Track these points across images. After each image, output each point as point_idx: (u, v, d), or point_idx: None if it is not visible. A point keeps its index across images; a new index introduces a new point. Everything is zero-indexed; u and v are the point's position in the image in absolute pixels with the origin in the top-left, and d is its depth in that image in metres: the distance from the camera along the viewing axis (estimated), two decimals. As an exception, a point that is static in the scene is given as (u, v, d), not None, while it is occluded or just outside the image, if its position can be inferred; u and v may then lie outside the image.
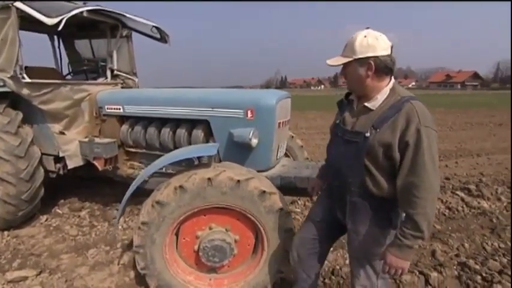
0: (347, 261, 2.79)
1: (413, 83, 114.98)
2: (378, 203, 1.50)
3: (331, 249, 2.90)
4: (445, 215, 3.75)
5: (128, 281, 2.48)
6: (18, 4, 2.71)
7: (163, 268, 2.07)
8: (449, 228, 3.42)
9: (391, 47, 1.42)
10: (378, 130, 1.41)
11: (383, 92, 1.46)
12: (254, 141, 2.39)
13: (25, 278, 2.46)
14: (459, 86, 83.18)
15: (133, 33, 4.10)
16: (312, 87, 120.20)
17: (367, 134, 1.44)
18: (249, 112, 2.47)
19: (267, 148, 2.53)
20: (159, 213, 1.95)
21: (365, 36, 1.41)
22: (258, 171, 2.48)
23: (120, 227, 3.31)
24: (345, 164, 1.55)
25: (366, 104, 1.50)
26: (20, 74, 2.91)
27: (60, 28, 2.70)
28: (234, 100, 2.57)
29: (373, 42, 1.40)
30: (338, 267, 2.68)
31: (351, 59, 1.44)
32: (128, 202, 2.13)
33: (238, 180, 1.92)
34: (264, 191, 1.96)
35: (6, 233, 3.17)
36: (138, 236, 2.01)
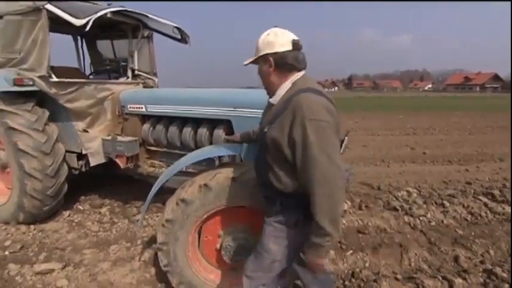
0: (367, 264, 2.77)
1: (430, 86, 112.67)
2: (285, 199, 1.49)
3: (351, 251, 2.91)
4: (467, 220, 3.66)
5: (148, 278, 2.52)
6: (49, 6, 2.80)
7: (186, 266, 2.10)
8: (472, 233, 3.33)
9: (295, 42, 1.41)
10: (271, 126, 1.41)
11: (283, 86, 1.45)
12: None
13: (51, 271, 2.54)
14: (478, 89, 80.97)
15: (154, 34, 4.18)
16: (326, 89, 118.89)
17: (265, 130, 1.45)
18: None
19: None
20: (183, 211, 1.98)
21: (268, 34, 1.44)
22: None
23: (138, 224, 3.36)
24: (257, 161, 1.60)
25: (270, 100, 1.52)
26: (48, 73, 3.01)
27: (87, 29, 2.77)
28: (257, 100, 2.57)
29: (273, 39, 1.41)
30: (358, 269, 2.65)
31: (255, 57, 1.47)
32: (152, 200, 2.16)
33: (262, 180, 1.92)
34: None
35: (32, 226, 3.27)
36: (161, 233, 2.04)
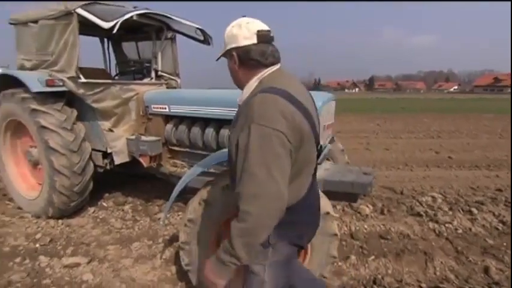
0: (389, 271, 2.70)
1: (456, 87, 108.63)
2: None
3: (373, 257, 2.85)
4: (498, 229, 3.49)
5: (169, 276, 2.57)
6: (79, 10, 2.93)
7: (207, 265, 2.11)
8: (504, 244, 3.17)
9: (261, 34, 1.24)
10: (233, 129, 1.26)
11: (249, 85, 1.30)
12: (299, 143, 2.37)
13: (78, 265, 2.64)
14: (510, 90, 77.21)
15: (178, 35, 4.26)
16: (347, 90, 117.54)
17: (229, 133, 1.29)
18: (294, 114, 2.46)
19: (311, 151, 2.50)
20: (205, 211, 2.00)
21: (232, 26, 1.28)
22: (301, 173, 2.47)
23: (161, 223, 3.44)
24: (229, 169, 1.42)
25: (237, 99, 1.38)
26: (77, 74, 3.13)
27: (115, 31, 2.87)
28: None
29: (236, 32, 1.26)
30: (380, 276, 2.59)
31: (222, 53, 1.34)
32: (175, 199, 2.20)
33: (285, 182, 1.91)
34: (311, 194, 1.94)
35: (60, 221, 3.42)
36: (183, 232, 2.07)
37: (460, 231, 3.38)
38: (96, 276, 2.51)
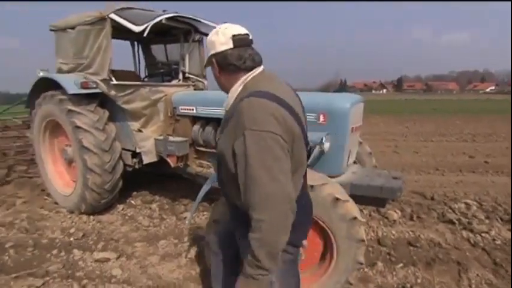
0: (419, 280, 2.59)
1: (493, 87, 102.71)
2: (240, 214, 1.27)
3: (401, 265, 2.75)
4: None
5: (194, 274, 2.61)
6: (112, 15, 3.07)
7: (232, 266, 2.13)
8: (548, 256, 2.95)
9: (236, 39, 1.25)
10: (222, 135, 1.26)
11: (233, 90, 1.30)
12: (326, 146, 2.34)
13: (108, 260, 2.75)
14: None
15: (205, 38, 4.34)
16: (374, 91, 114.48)
17: (217, 139, 1.27)
18: (321, 116, 2.43)
19: (339, 154, 2.46)
20: (231, 212, 2.01)
21: (212, 34, 1.30)
22: (329, 176, 2.43)
23: (187, 222, 3.51)
24: (217, 175, 1.43)
25: (223, 104, 1.38)
26: (109, 77, 3.27)
27: (145, 34, 2.97)
28: (306, 103, 2.52)
29: (214, 39, 1.27)
30: (409, 285, 2.50)
31: (206, 61, 1.37)
32: (202, 200, 2.23)
33: (312, 186, 1.89)
34: (338, 198, 1.91)
35: (91, 217, 3.58)
36: (208, 232, 2.10)
37: (498, 242, 3.18)
38: (125, 272, 2.61)
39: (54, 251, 2.92)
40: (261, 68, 1.32)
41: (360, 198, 2.51)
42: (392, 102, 30.53)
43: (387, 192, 2.38)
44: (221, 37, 1.26)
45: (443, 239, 3.22)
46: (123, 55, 5.10)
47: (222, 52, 1.27)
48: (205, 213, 3.69)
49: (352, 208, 1.96)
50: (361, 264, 2.08)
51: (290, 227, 1.11)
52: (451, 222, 3.57)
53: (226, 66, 1.28)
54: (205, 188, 2.20)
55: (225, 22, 1.35)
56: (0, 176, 5.11)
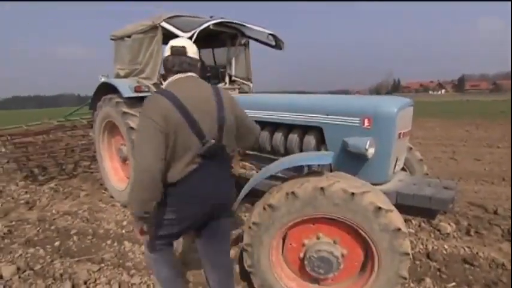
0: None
1: None
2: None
3: (453, 284, 2.53)
4: None
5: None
6: (163, 24, 3.29)
7: (268, 270, 2.15)
8: None
9: (174, 49, 1.65)
10: None
11: (163, 86, 1.72)
12: (370, 152, 2.25)
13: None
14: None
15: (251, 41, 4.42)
16: (431, 92, 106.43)
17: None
18: (366, 120, 2.34)
19: (384, 160, 2.35)
20: (269, 216, 2.03)
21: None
22: (373, 184, 2.33)
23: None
24: None
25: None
26: (159, 80, 3.49)
27: (193, 40, 3.11)
28: (350, 107, 2.47)
29: (166, 47, 1.71)
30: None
31: None
32: (242, 200, 2.28)
33: (353, 193, 1.84)
34: (380, 208, 1.83)
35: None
36: (248, 234, 2.14)
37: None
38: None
39: (109, 241, 3.20)
40: (187, 74, 1.68)
41: (408, 209, 2.38)
42: (452, 104, 28.04)
43: (437, 203, 2.21)
44: (167, 46, 1.70)
45: (508, 259, 2.88)
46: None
47: (165, 57, 1.71)
48: (247, 214, 3.76)
49: (395, 218, 1.86)
50: (405, 279, 1.96)
51: (150, 189, 1.49)
52: (519, 241, 3.19)
53: (166, 68, 1.72)
54: (245, 190, 2.22)
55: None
56: (69, 170, 5.77)
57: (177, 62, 1.65)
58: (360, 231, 1.92)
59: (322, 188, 1.88)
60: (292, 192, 1.94)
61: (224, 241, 2.00)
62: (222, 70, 4.57)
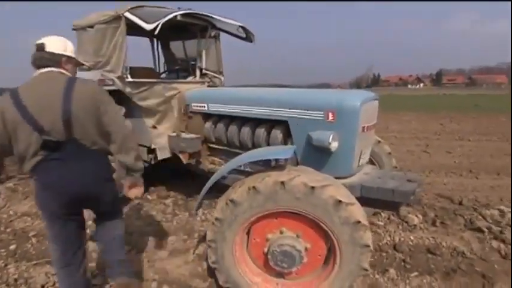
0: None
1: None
2: None
3: (416, 273, 2.64)
4: None
5: (200, 271, 2.68)
6: (127, 14, 3.21)
7: (232, 265, 2.17)
8: None
9: (35, 45, 1.77)
10: None
11: None
12: (334, 146, 2.31)
13: (119, 253, 2.88)
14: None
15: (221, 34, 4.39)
16: (410, 86, 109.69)
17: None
18: (329, 114, 2.39)
19: (348, 154, 2.41)
20: (231, 211, 2.05)
21: None
22: (337, 178, 2.38)
23: (198, 218, 3.60)
24: None
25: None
26: (125, 74, 3.41)
27: (156, 32, 3.06)
28: (314, 101, 2.51)
29: None
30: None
31: None
32: (205, 196, 2.29)
33: (313, 187, 1.88)
34: (340, 201, 1.88)
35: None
36: (211, 230, 2.15)
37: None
38: (134, 265, 2.72)
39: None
40: (47, 69, 1.77)
41: (371, 202, 2.46)
42: (429, 98, 29.05)
43: (399, 196, 2.30)
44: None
45: (468, 248, 3.04)
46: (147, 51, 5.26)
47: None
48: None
49: (356, 211, 1.92)
50: (366, 270, 2.04)
51: None
52: (480, 230, 3.36)
53: (31, 64, 1.81)
54: (208, 185, 2.25)
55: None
56: (26, 169, 5.50)
57: (38, 57, 1.76)
58: (322, 224, 1.96)
59: (282, 182, 1.91)
60: (254, 187, 1.96)
61: (110, 231, 2.11)
62: (192, 63, 4.52)
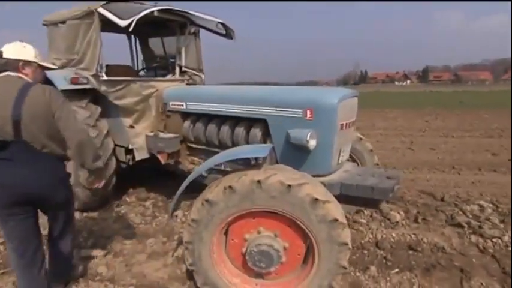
0: (415, 286, 2.54)
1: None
2: None
3: (397, 270, 2.70)
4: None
5: (179, 274, 2.66)
6: (100, 9, 3.15)
7: (210, 267, 2.17)
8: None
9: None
10: None
11: None
12: (312, 144, 2.33)
13: (94, 257, 2.85)
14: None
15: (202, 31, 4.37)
16: (396, 83, 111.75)
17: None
18: (308, 112, 2.41)
19: (327, 151, 2.44)
20: (208, 211, 2.04)
21: None
22: (316, 176, 2.41)
23: (178, 220, 3.57)
24: None
25: None
26: (100, 72, 3.35)
27: (131, 29, 3.02)
28: (293, 99, 2.53)
29: None
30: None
31: None
32: (184, 196, 2.27)
33: (289, 185, 1.89)
34: (317, 199, 1.90)
35: (84, 214, 3.70)
36: (187, 232, 2.14)
37: (510, 248, 3.06)
38: (110, 270, 2.69)
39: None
40: (3, 73, 1.91)
41: (351, 199, 2.50)
42: (415, 95, 29.64)
43: (379, 193, 2.34)
44: None
45: (448, 243, 3.12)
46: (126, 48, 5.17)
47: None
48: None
49: (333, 209, 1.94)
50: (345, 268, 2.06)
51: None
52: (460, 225, 3.46)
53: None
54: (184, 185, 2.24)
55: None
56: None
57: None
58: (299, 223, 1.98)
59: (259, 181, 1.91)
60: (230, 187, 1.96)
61: (59, 231, 2.22)
62: (172, 60, 4.47)
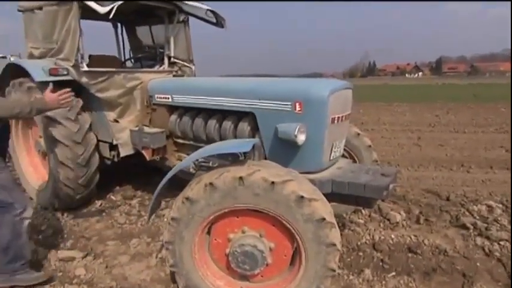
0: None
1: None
2: None
3: (393, 273, 2.70)
4: None
5: (163, 276, 2.69)
6: None
7: (192, 268, 2.18)
8: None
9: None
10: None
11: None
12: (300, 138, 2.33)
13: (72, 259, 2.87)
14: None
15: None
16: (407, 75, 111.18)
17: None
18: (297, 105, 2.41)
19: (317, 147, 2.44)
20: (188, 210, 2.05)
21: None
22: (307, 173, 2.42)
23: (165, 219, 3.59)
24: None
25: None
26: (80, 62, 3.35)
27: (111, 16, 3.01)
28: (282, 91, 2.53)
29: None
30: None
31: None
32: (161, 193, 2.27)
33: (273, 182, 1.89)
34: (302, 196, 1.90)
35: (65, 214, 3.73)
36: (168, 231, 2.15)
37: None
38: (88, 272, 2.71)
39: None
40: None
41: (344, 197, 2.50)
42: (426, 88, 29.44)
43: (371, 191, 2.34)
44: None
45: (451, 246, 3.11)
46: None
47: None
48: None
49: (320, 208, 1.95)
50: (333, 271, 2.06)
51: None
52: (465, 227, 3.45)
53: None
54: (164, 180, 2.23)
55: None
56: None
57: None
58: (284, 222, 1.99)
59: (241, 178, 1.92)
60: (211, 183, 1.97)
61: None
62: (161, 50, 4.47)
